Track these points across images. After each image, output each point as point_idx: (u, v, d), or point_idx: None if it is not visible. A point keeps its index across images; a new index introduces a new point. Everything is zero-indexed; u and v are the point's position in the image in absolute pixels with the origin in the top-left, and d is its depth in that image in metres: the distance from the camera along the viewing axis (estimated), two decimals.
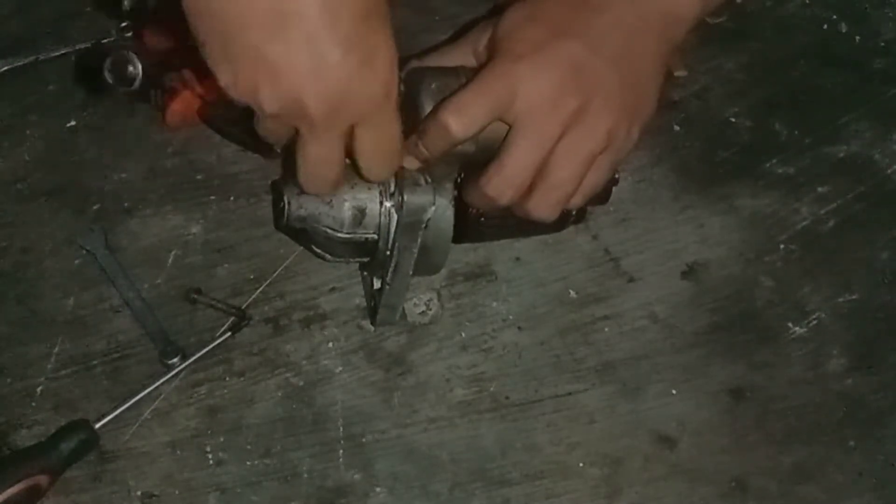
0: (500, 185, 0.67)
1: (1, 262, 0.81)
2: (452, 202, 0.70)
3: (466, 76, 0.68)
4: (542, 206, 0.69)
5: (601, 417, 0.75)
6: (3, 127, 0.88)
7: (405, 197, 0.68)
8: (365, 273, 0.78)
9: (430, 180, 0.69)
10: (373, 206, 0.70)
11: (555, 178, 0.67)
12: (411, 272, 0.71)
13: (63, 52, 0.90)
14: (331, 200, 0.70)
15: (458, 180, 0.71)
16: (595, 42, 0.67)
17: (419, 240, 0.70)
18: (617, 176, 0.75)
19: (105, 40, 0.91)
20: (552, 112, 0.66)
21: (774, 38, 0.95)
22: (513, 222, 0.73)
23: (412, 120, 0.68)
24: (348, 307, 0.79)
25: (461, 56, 0.72)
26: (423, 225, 0.69)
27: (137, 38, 0.91)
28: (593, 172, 0.68)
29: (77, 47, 0.90)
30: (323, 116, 0.61)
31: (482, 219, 0.73)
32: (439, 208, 0.69)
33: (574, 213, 0.75)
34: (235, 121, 0.85)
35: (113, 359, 0.77)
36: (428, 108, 0.68)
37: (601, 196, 0.76)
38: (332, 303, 0.79)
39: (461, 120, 0.66)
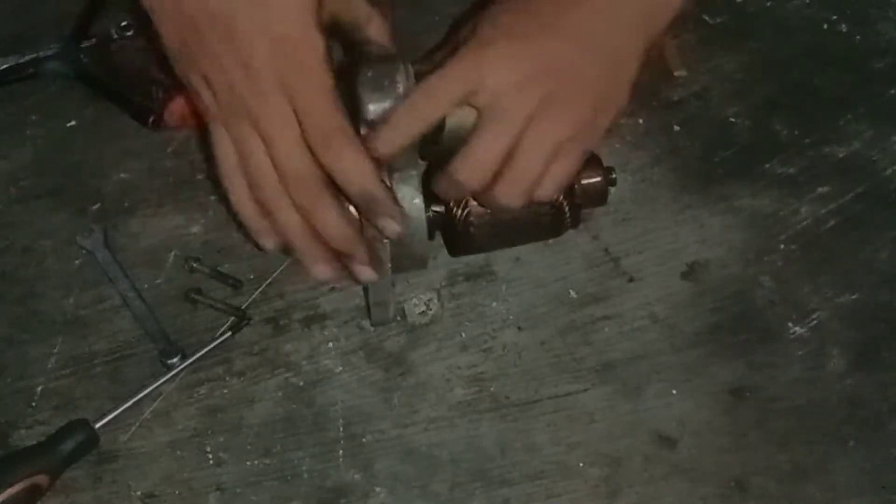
0: (469, 169, 0.67)
1: (1, 262, 0.81)
2: (419, 189, 0.70)
3: (403, 61, 0.68)
4: (509, 193, 0.69)
5: (601, 417, 0.75)
6: (3, 127, 0.88)
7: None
8: None
9: (385, 169, 0.69)
10: None
11: (521, 164, 0.67)
12: (389, 265, 0.71)
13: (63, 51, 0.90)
14: None
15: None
16: (567, 31, 0.67)
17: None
18: (613, 176, 0.75)
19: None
20: (518, 98, 0.66)
21: (774, 38, 0.94)
22: (505, 230, 0.74)
23: (353, 113, 0.68)
24: (348, 307, 0.79)
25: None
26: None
27: (139, 38, 0.91)
28: (561, 161, 0.68)
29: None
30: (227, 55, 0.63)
31: (472, 228, 0.73)
32: (406, 197, 0.69)
33: (569, 218, 0.75)
34: None
35: (113, 359, 0.77)
36: (366, 98, 0.67)
37: (598, 197, 0.76)
38: (332, 303, 0.79)
39: (429, 101, 0.66)
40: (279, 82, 0.64)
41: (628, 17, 0.69)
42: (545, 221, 0.75)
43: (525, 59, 0.66)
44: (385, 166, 0.69)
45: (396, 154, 0.67)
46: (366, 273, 0.69)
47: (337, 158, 0.65)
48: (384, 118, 0.67)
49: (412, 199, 0.70)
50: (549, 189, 0.70)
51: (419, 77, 0.71)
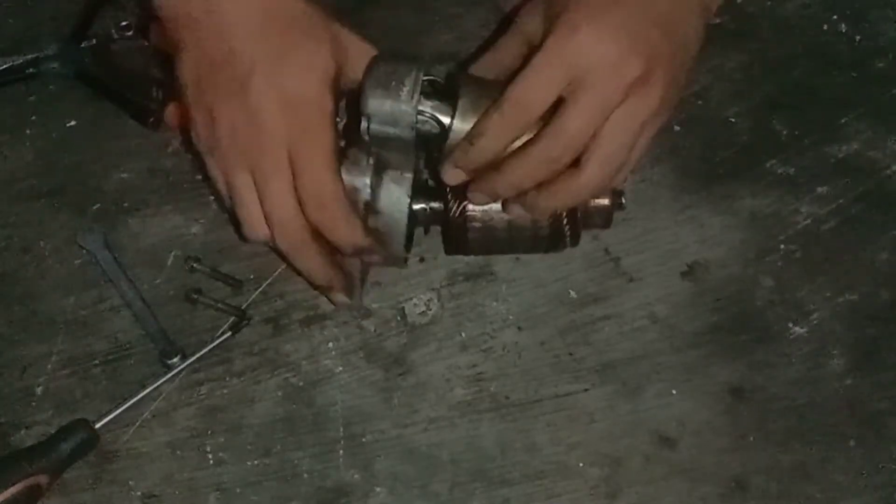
0: (558, 147, 0.67)
1: (1, 262, 0.81)
2: (409, 191, 0.71)
3: (418, 68, 0.69)
4: (598, 177, 0.68)
5: (601, 417, 0.75)
6: (3, 127, 0.88)
7: (342, 174, 0.69)
8: None
9: (371, 162, 0.70)
10: None
11: (611, 145, 0.67)
12: (360, 282, 0.74)
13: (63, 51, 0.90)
14: None
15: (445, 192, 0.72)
16: (648, 8, 0.68)
17: (361, 207, 0.71)
18: (622, 201, 0.74)
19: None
20: (615, 77, 0.66)
21: (774, 38, 0.94)
22: (501, 236, 0.74)
23: (356, 105, 0.69)
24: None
25: (515, 49, 0.72)
26: (361, 206, 0.70)
27: (139, 38, 0.91)
28: (640, 141, 0.69)
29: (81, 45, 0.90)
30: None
31: (468, 231, 0.73)
32: (392, 196, 0.71)
33: (569, 235, 0.74)
34: None
35: (113, 359, 0.77)
36: (368, 92, 0.69)
37: (602, 219, 0.75)
38: None
39: (534, 87, 0.66)
40: (283, 137, 0.66)
41: (700, 10, 0.71)
42: (542, 234, 0.74)
43: (618, 41, 0.66)
44: (377, 163, 0.71)
45: (491, 158, 0.69)
46: (341, 299, 0.76)
47: (328, 221, 0.68)
48: (479, 125, 0.68)
49: (398, 198, 0.71)
50: (627, 169, 0.70)
51: (466, 80, 0.71)
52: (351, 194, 0.69)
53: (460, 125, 0.69)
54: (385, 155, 0.71)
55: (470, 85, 0.71)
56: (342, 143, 0.70)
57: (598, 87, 0.66)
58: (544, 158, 0.68)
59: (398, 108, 0.69)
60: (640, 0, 0.68)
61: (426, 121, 0.70)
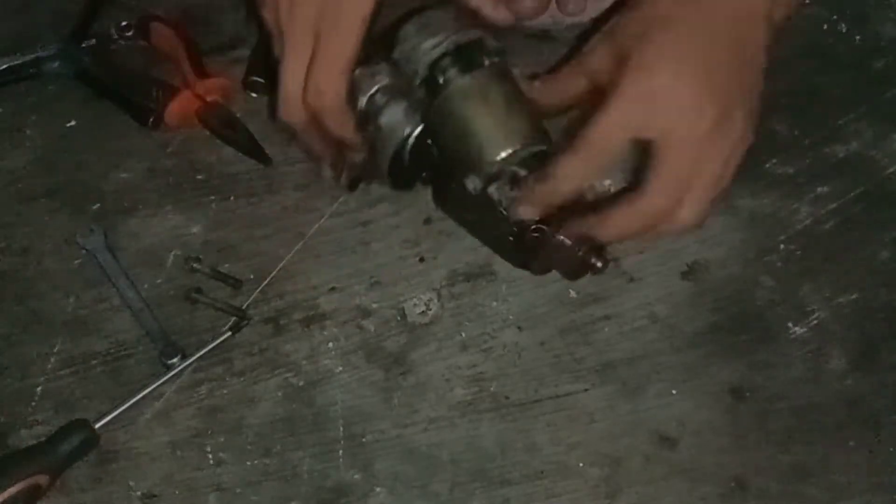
0: (641, 217, 0.68)
1: (1, 262, 0.81)
2: (413, 127, 0.72)
3: (456, 32, 0.70)
4: (694, 212, 0.69)
5: (601, 417, 0.75)
6: (3, 127, 0.88)
7: (357, 71, 0.72)
8: None
9: (386, 82, 0.72)
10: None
11: (704, 183, 0.67)
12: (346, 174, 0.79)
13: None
14: None
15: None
16: (717, 39, 0.67)
17: (356, 110, 0.73)
18: (599, 264, 0.72)
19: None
20: (692, 131, 0.66)
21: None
22: (472, 219, 0.74)
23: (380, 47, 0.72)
24: (348, 307, 0.79)
25: (576, 81, 0.72)
26: (359, 105, 0.73)
27: (139, 38, 0.91)
28: (729, 170, 0.69)
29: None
30: None
31: (449, 192, 0.74)
32: (396, 119, 0.72)
33: (536, 264, 0.74)
34: (232, 124, 0.85)
35: (113, 359, 0.77)
36: (405, 26, 0.71)
37: (574, 273, 0.74)
38: (332, 303, 0.79)
39: (600, 151, 0.67)
40: (313, 25, 0.71)
41: (757, 9, 0.69)
42: (506, 239, 0.73)
43: (693, 83, 0.65)
44: (398, 86, 0.72)
45: (563, 199, 0.69)
46: (327, 173, 0.80)
47: (321, 109, 0.72)
48: (548, 170, 0.68)
49: (399, 125, 0.72)
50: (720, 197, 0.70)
51: (494, 67, 0.71)
52: (356, 93, 0.72)
53: (446, 98, 0.70)
54: (409, 87, 0.72)
55: (494, 76, 0.71)
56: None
57: (676, 149, 0.66)
58: (630, 230, 0.69)
59: (415, 51, 0.71)
60: (710, 34, 0.67)
61: (434, 77, 0.71)
